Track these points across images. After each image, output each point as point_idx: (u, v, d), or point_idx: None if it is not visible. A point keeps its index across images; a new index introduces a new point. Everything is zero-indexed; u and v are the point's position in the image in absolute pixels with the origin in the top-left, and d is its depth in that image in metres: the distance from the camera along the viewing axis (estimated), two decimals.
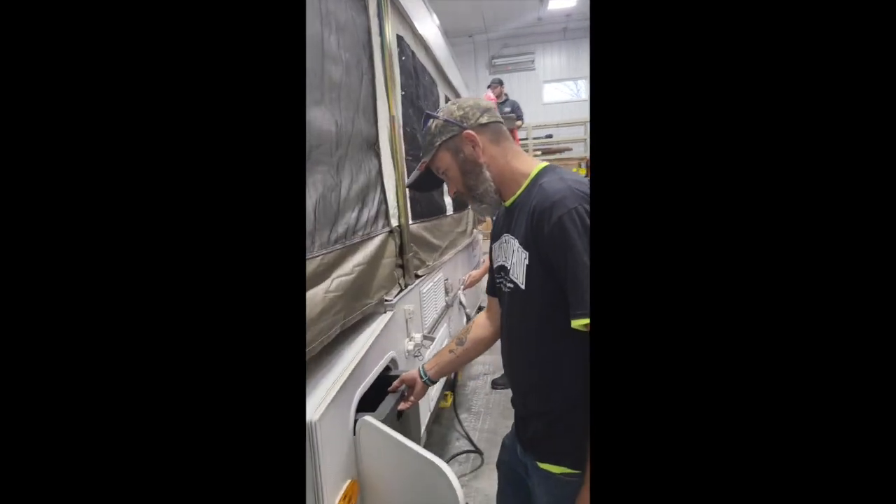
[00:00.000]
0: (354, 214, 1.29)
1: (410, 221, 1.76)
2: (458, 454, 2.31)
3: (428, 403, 1.83)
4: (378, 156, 1.53)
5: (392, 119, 1.63)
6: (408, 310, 1.57)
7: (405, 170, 1.69)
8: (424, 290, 1.83)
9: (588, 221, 0.76)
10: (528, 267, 0.85)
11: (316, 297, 1.01)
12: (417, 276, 1.78)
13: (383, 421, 1.08)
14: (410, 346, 1.54)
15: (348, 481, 1.02)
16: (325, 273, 1.08)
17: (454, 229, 2.66)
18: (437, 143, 0.93)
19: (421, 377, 1.17)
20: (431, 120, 0.95)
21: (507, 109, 5.65)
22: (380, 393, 1.21)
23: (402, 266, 1.65)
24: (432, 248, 2.08)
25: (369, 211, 1.40)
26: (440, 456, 2.27)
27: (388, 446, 1.01)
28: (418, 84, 2.11)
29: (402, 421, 1.24)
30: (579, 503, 0.80)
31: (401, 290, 1.58)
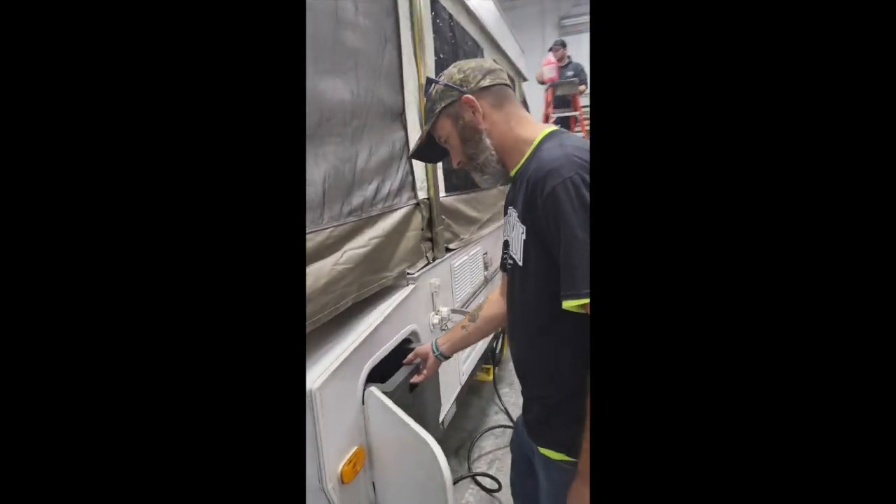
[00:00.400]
0: (373, 187, 1.28)
1: (443, 194, 1.73)
2: (494, 427, 2.31)
3: (458, 377, 1.83)
4: (405, 126, 1.50)
5: (422, 87, 1.58)
6: (433, 283, 1.56)
7: None
8: (457, 264, 1.81)
9: (585, 192, 0.68)
10: (525, 242, 0.80)
11: (323, 269, 1.02)
12: (449, 250, 1.75)
13: (392, 392, 1.09)
14: (436, 320, 1.53)
15: (355, 447, 1.04)
16: (335, 245, 1.08)
17: (499, 202, 2.59)
18: (438, 110, 0.88)
19: (433, 352, 1.16)
20: (433, 85, 0.89)
21: (570, 73, 5.32)
22: (399, 365, 1.22)
23: (430, 239, 1.64)
24: (470, 221, 2.03)
25: (391, 183, 1.39)
26: (477, 429, 2.30)
27: (388, 417, 1.02)
28: (457, 50, 2.03)
29: (419, 393, 1.25)
30: (571, 494, 0.75)
31: (428, 264, 1.57)
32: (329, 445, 0.95)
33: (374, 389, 1.05)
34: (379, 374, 1.15)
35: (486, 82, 0.85)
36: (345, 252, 1.11)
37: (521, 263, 0.82)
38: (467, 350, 1.95)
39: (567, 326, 0.75)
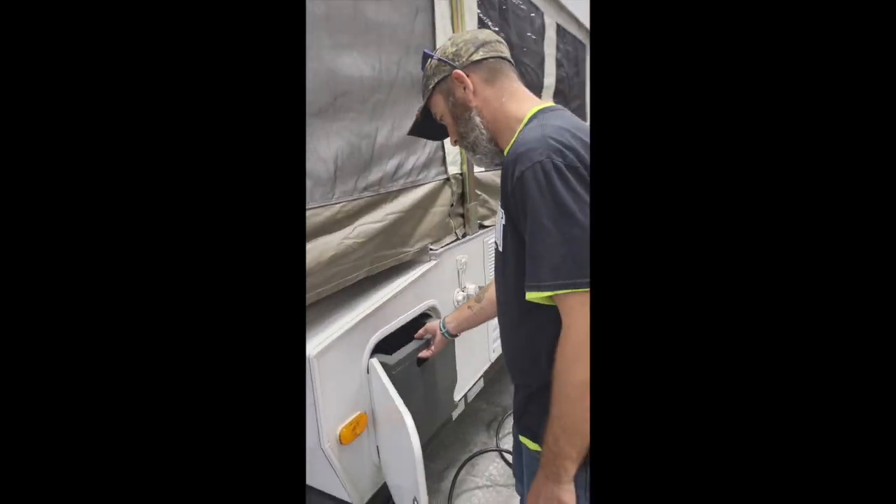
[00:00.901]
0: (395, 162, 1.29)
1: (479, 169, 1.69)
2: None
3: (488, 354, 1.83)
4: None
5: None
6: (460, 260, 1.55)
7: None
8: (490, 241, 1.78)
9: (556, 178, 0.63)
10: (504, 228, 0.76)
11: (331, 243, 1.06)
12: (483, 227, 1.72)
13: (395, 364, 1.13)
14: (460, 297, 1.54)
15: (357, 413, 1.10)
16: (346, 220, 1.12)
17: None
18: (432, 86, 0.86)
19: (440, 329, 1.17)
20: (428, 60, 0.86)
21: None
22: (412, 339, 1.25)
23: (462, 215, 1.62)
24: None
25: (417, 158, 1.38)
26: (507, 410, 2.30)
27: (381, 388, 1.06)
28: (507, 14, 1.92)
29: (429, 367, 1.27)
30: (533, 487, 0.74)
31: (456, 240, 1.56)
32: (327, 409, 1.02)
33: (374, 360, 1.09)
34: (394, 346, 1.19)
35: (478, 56, 0.80)
36: (357, 227, 1.15)
37: (500, 249, 0.79)
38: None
39: (542, 317, 0.72)
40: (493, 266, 0.89)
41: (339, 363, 1.05)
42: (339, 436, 1.04)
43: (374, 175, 1.21)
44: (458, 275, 1.56)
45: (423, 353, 1.20)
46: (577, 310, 0.64)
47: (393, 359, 1.13)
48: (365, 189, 1.19)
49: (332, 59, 1.07)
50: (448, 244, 1.51)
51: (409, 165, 1.35)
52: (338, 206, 1.09)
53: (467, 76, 0.80)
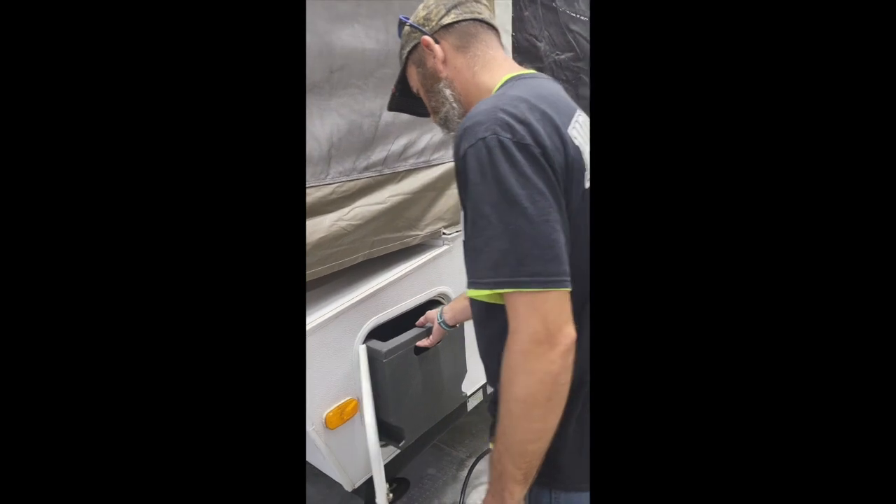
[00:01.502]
0: (404, 141, 1.23)
1: None
2: None
3: None
4: None
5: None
6: None
7: None
8: None
9: (500, 157, 0.53)
10: (463, 214, 0.67)
11: (321, 224, 1.03)
12: None
13: (388, 352, 1.09)
14: None
15: (347, 398, 1.09)
16: (341, 202, 1.08)
17: None
18: (405, 56, 0.77)
19: (437, 319, 1.11)
20: (403, 27, 0.78)
21: None
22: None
23: None
24: None
25: (432, 137, 1.31)
26: None
27: (365, 376, 1.03)
28: None
29: (431, 357, 1.22)
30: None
31: None
32: (312, 391, 1.01)
33: (362, 347, 1.07)
34: (400, 333, 1.15)
35: (448, 19, 0.71)
36: (354, 208, 1.11)
37: (464, 238, 0.70)
38: None
39: (503, 317, 0.63)
40: None
41: (327, 346, 1.03)
42: (325, 419, 1.04)
43: (378, 155, 1.16)
44: None
45: (422, 343, 1.15)
46: (521, 313, 0.55)
47: (385, 346, 1.09)
48: (366, 169, 1.14)
49: (327, 32, 1.02)
50: None
51: (421, 144, 1.28)
52: (331, 186, 1.06)
53: (438, 43, 0.71)
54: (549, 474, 0.66)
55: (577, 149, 0.58)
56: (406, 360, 1.13)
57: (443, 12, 0.71)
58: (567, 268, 0.55)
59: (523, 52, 1.60)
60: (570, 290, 0.55)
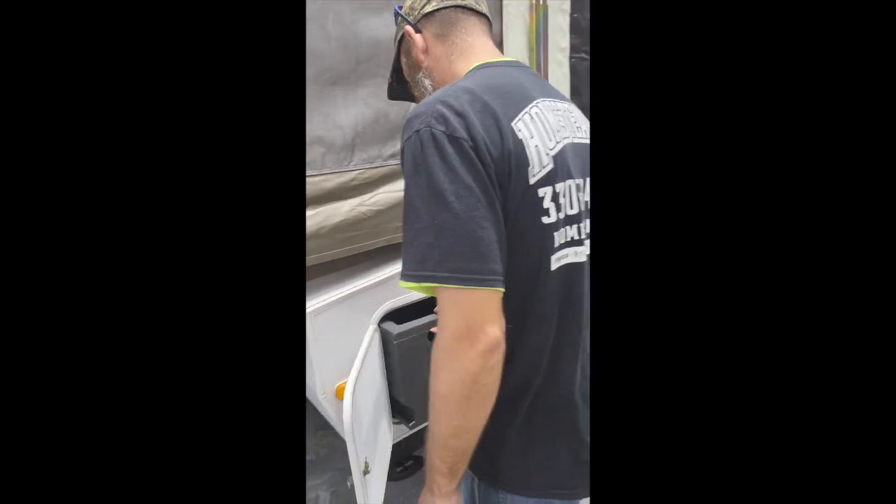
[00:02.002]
0: None
1: None
2: None
3: None
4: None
5: (534, 6, 1.36)
6: None
7: (561, 71, 1.41)
8: None
9: (431, 150, 0.52)
10: None
11: (340, 209, 1.09)
12: None
13: (399, 335, 1.13)
14: None
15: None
16: (364, 188, 1.13)
17: None
18: (396, 45, 0.78)
19: None
20: (398, 17, 0.78)
21: None
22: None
23: None
24: None
25: None
26: None
27: (369, 354, 1.07)
28: None
29: None
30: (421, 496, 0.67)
31: None
32: (323, 364, 1.09)
33: (372, 327, 1.11)
34: (417, 318, 1.18)
35: (430, 7, 0.69)
36: (377, 195, 1.15)
37: None
38: None
39: None
40: None
41: (339, 324, 1.10)
42: (336, 391, 1.11)
43: None
44: None
45: (436, 329, 1.17)
46: (444, 309, 0.54)
47: (398, 328, 1.13)
48: (391, 157, 1.17)
49: (354, 23, 1.06)
50: None
51: None
52: (353, 173, 1.11)
53: (420, 32, 0.71)
54: (492, 473, 0.64)
55: (519, 142, 0.54)
56: (418, 343, 1.16)
57: (425, 1, 0.70)
58: (496, 266, 0.52)
59: (582, 33, 1.50)
60: (497, 289, 0.52)
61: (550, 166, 0.56)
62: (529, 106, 0.58)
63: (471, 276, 0.51)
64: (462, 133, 0.52)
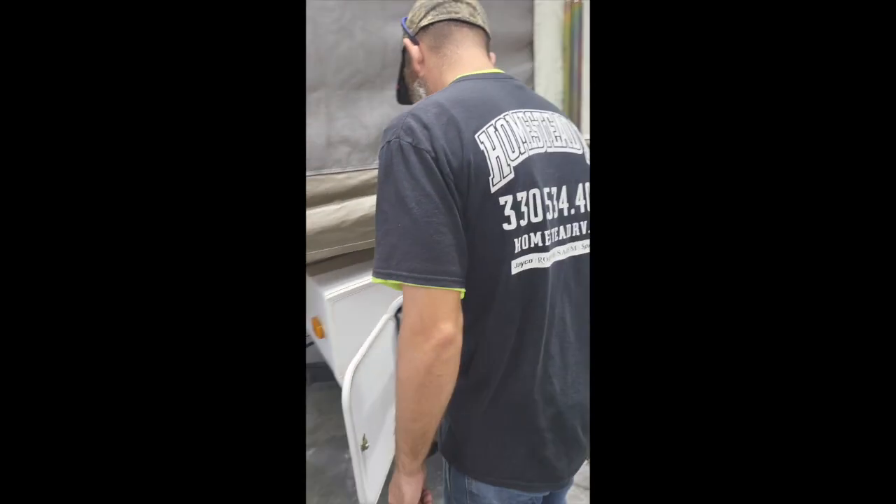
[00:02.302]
0: None
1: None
2: None
3: None
4: (533, 57, 1.35)
5: (569, 4, 1.34)
6: None
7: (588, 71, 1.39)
8: None
9: (398, 159, 0.57)
10: None
11: (363, 204, 1.17)
12: None
13: None
14: None
15: None
16: None
17: None
18: (401, 55, 0.83)
19: None
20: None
21: None
22: None
23: None
24: None
25: None
26: None
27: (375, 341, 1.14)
28: None
29: None
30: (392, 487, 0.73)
31: None
32: (340, 347, 1.18)
33: (385, 316, 1.19)
34: None
35: (427, 20, 0.73)
36: None
37: None
38: None
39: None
40: None
41: (357, 311, 1.19)
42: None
43: None
44: None
45: None
46: (405, 304, 0.59)
47: None
48: None
49: (380, 30, 1.12)
50: None
51: None
52: (376, 171, 1.18)
53: (417, 44, 0.75)
54: (459, 459, 0.69)
55: (480, 153, 0.58)
56: None
57: (422, 14, 0.74)
58: (452, 268, 0.56)
59: None
60: (451, 289, 0.57)
61: (511, 176, 0.59)
62: (496, 118, 0.61)
63: (426, 275, 0.56)
64: (426, 145, 0.57)
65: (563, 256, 0.66)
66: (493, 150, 0.59)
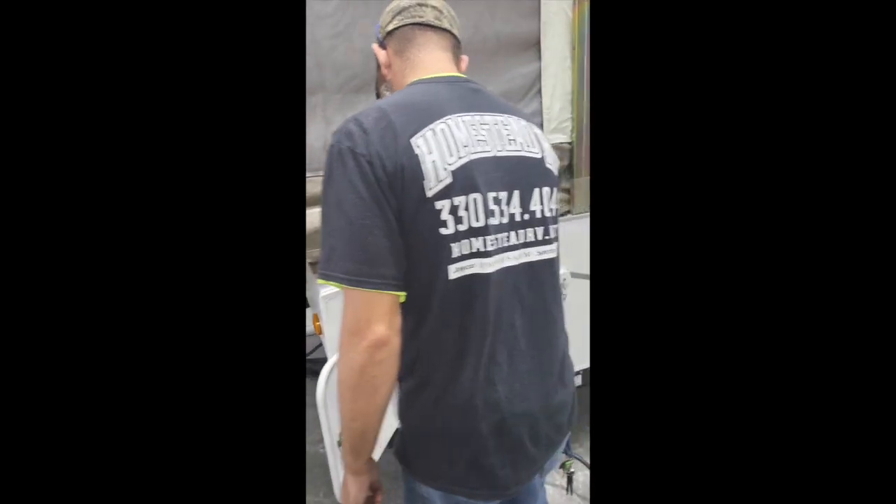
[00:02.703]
0: None
1: None
2: None
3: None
4: (540, 57, 1.32)
5: (578, 1, 1.30)
6: None
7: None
8: None
9: (337, 163, 0.57)
10: None
11: None
12: None
13: None
14: None
15: None
16: None
17: None
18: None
19: None
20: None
21: None
22: None
23: (568, 190, 1.43)
24: None
25: None
26: None
27: None
28: None
29: None
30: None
31: None
32: (335, 344, 1.21)
33: None
34: None
35: (392, 25, 0.73)
36: None
37: None
38: None
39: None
40: None
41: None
42: None
43: None
44: None
45: None
46: (344, 305, 0.60)
47: None
48: None
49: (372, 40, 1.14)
50: None
51: None
52: None
53: (386, 48, 0.76)
54: (407, 462, 0.69)
55: (414, 157, 0.58)
56: None
57: (389, 19, 0.75)
58: (385, 270, 0.57)
59: None
60: (384, 292, 0.57)
61: (449, 180, 0.59)
62: (436, 122, 0.60)
63: (358, 277, 0.57)
64: (362, 149, 0.57)
65: (513, 262, 0.65)
66: (429, 154, 0.59)
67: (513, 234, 0.65)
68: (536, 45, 1.31)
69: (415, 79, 0.69)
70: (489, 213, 0.62)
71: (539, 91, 1.34)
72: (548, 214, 0.68)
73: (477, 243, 0.61)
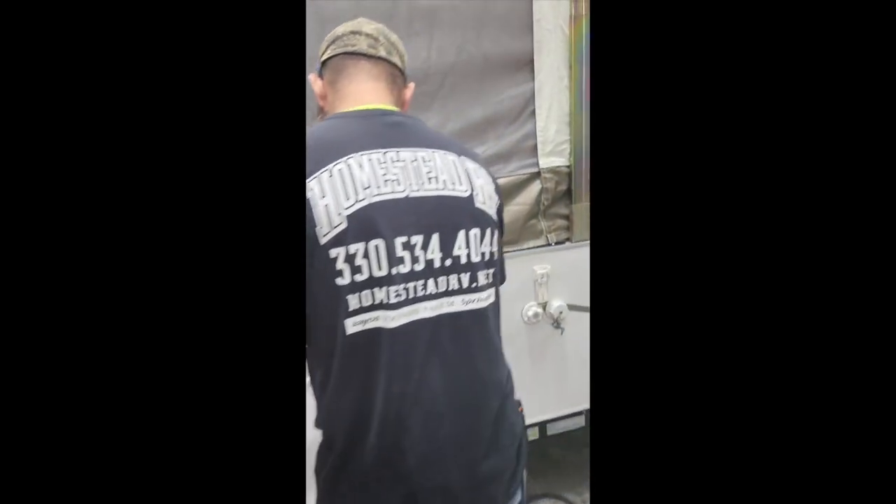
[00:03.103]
0: None
1: None
2: None
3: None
4: (533, 77, 1.25)
5: (574, 17, 1.22)
6: (538, 271, 1.31)
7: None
8: None
9: None
10: None
11: None
12: None
13: None
14: (530, 313, 1.31)
15: None
16: None
17: None
18: None
19: None
20: None
21: None
22: None
23: (567, 217, 1.34)
24: None
25: (485, 150, 1.25)
26: None
27: None
28: None
29: None
30: None
31: (545, 245, 1.32)
32: None
33: None
34: None
35: (326, 55, 0.70)
36: None
37: None
38: None
39: None
40: None
41: None
42: None
43: None
44: (534, 286, 1.32)
45: None
46: None
47: None
48: None
49: None
50: (522, 249, 1.30)
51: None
52: None
53: (322, 78, 0.73)
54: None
55: (306, 203, 0.53)
56: None
57: (324, 48, 0.72)
58: None
59: None
60: None
61: (343, 226, 0.54)
62: (334, 163, 0.56)
63: None
64: None
65: (430, 314, 0.59)
66: (322, 198, 0.54)
67: (430, 281, 0.58)
68: (529, 64, 1.24)
69: (340, 111, 0.65)
70: (396, 261, 0.56)
71: (533, 112, 1.26)
72: (475, 260, 0.61)
73: (380, 294, 0.56)
